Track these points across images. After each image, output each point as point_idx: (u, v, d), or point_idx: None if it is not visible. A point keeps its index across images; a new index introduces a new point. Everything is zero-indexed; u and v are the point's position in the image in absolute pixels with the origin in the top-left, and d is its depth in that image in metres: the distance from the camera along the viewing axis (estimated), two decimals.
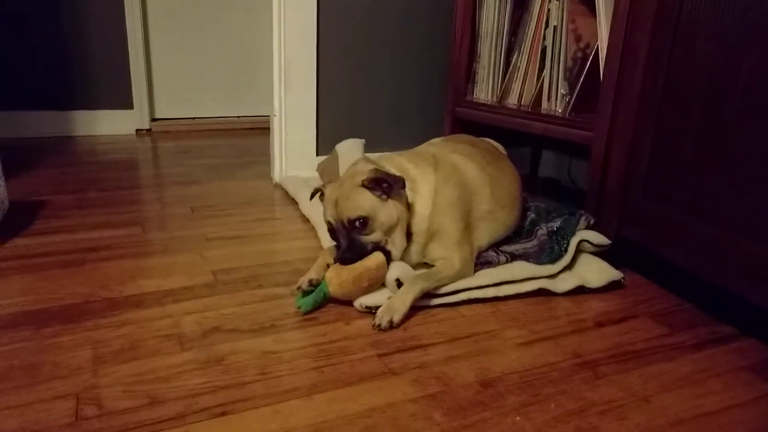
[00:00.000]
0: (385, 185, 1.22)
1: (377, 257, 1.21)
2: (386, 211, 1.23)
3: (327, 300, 1.22)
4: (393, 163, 1.34)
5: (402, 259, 1.28)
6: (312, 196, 1.37)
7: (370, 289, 1.20)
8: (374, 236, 1.23)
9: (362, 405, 0.90)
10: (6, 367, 0.97)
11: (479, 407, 0.91)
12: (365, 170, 1.24)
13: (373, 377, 0.98)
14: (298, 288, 1.23)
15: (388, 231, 1.24)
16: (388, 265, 1.22)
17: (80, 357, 1.01)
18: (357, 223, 1.21)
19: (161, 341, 1.07)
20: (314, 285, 1.22)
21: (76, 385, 0.93)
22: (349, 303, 1.22)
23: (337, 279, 1.19)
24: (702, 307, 1.28)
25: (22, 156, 2.58)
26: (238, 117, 3.60)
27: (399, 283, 1.21)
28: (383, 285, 1.23)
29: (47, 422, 0.84)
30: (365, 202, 1.21)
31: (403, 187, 1.25)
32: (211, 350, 1.05)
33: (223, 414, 0.87)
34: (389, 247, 1.25)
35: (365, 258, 1.20)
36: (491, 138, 1.70)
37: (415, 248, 1.31)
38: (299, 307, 1.19)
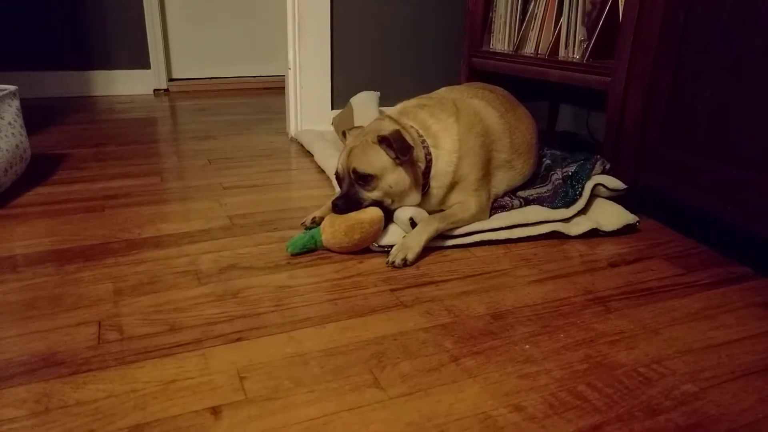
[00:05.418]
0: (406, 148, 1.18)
1: (373, 212, 1.19)
2: (397, 176, 1.20)
3: (320, 248, 1.21)
4: (416, 119, 1.31)
5: (419, 206, 1.28)
6: (343, 136, 1.37)
7: (361, 242, 1.18)
8: (375, 194, 1.21)
9: (374, 333, 0.92)
10: (32, 298, 1.01)
11: (489, 336, 0.92)
12: (389, 128, 1.22)
13: (385, 309, 1.00)
14: (302, 224, 1.29)
15: (399, 195, 1.22)
16: (385, 222, 1.21)
17: (101, 290, 1.04)
18: (362, 178, 1.19)
19: (179, 276, 1.10)
20: (317, 223, 1.26)
21: (98, 313, 0.96)
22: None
23: (330, 228, 1.19)
24: (719, 250, 1.27)
25: (43, 114, 2.62)
26: (254, 77, 3.59)
27: (413, 223, 1.22)
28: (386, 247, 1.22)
29: (72, 344, 0.87)
30: (377, 161, 1.19)
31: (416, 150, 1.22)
32: (228, 285, 1.07)
33: (238, 340, 0.90)
34: (394, 205, 1.24)
35: (361, 210, 1.19)
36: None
37: (433, 200, 1.31)
38: (288, 248, 1.20)
